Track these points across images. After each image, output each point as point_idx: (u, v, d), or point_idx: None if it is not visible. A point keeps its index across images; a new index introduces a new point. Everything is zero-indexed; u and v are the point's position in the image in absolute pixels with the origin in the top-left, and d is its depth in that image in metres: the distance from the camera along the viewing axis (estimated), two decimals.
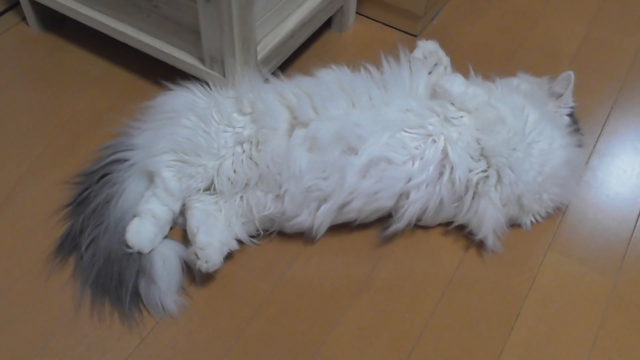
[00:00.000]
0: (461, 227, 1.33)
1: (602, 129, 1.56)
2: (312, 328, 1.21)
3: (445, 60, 1.46)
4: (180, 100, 1.34)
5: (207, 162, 1.26)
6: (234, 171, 1.26)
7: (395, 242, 1.33)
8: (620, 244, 1.35)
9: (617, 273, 1.30)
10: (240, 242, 1.28)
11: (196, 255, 1.19)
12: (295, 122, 1.27)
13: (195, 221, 1.23)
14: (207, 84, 1.37)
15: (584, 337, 1.22)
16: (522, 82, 1.44)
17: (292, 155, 1.23)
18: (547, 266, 1.31)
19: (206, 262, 1.19)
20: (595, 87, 1.65)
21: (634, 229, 1.38)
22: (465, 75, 1.40)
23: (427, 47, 1.46)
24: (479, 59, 1.69)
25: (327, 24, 1.74)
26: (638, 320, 1.24)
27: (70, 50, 1.67)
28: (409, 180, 1.25)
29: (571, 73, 1.40)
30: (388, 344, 1.19)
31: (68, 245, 1.26)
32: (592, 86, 1.64)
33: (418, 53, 1.46)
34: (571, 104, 1.42)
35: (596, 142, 1.54)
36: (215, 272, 1.24)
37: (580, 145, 1.39)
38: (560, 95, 1.41)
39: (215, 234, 1.22)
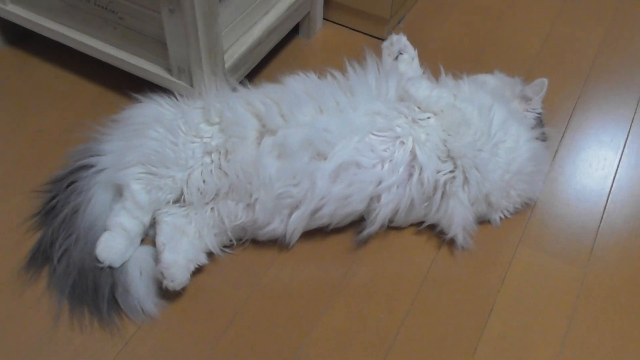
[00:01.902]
0: (433, 227, 1.34)
1: (567, 124, 1.59)
2: (289, 333, 1.22)
3: (412, 51, 1.49)
4: (147, 112, 1.34)
5: (176, 174, 1.26)
6: (203, 181, 1.26)
7: (369, 244, 1.34)
8: (588, 235, 1.38)
9: (586, 264, 1.33)
10: (211, 254, 1.28)
11: (162, 274, 1.19)
12: (264, 130, 1.27)
13: (163, 237, 1.22)
14: (175, 95, 1.37)
15: (556, 328, 1.24)
16: (491, 79, 1.47)
17: (261, 164, 1.23)
18: (518, 260, 1.33)
19: (172, 281, 1.19)
20: (560, 83, 1.68)
21: (601, 220, 1.41)
22: (436, 73, 1.43)
23: (394, 37, 1.49)
24: (448, 58, 1.70)
25: (295, 31, 1.75)
26: (608, 309, 1.27)
27: (36, 64, 1.66)
28: (380, 183, 1.26)
29: (545, 80, 1.43)
30: (365, 345, 1.21)
31: (39, 258, 1.25)
32: (557, 82, 1.66)
33: (386, 42, 1.50)
34: (539, 109, 1.44)
35: (562, 136, 1.56)
36: (185, 287, 1.23)
37: (544, 140, 1.42)
38: (530, 100, 1.43)
39: (182, 251, 1.21)
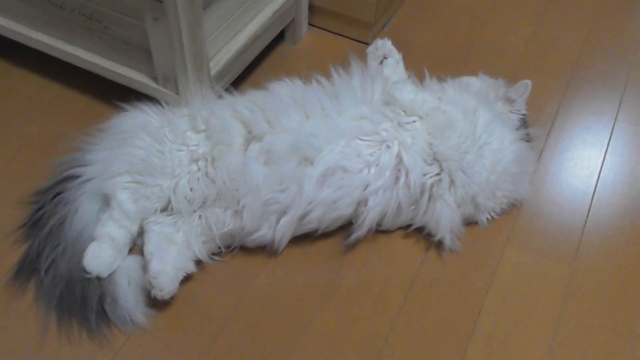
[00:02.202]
0: (420, 229, 1.35)
1: (552, 124, 1.60)
2: (279, 338, 1.22)
3: (397, 55, 1.50)
4: (133, 121, 1.34)
5: (163, 182, 1.26)
6: (191, 189, 1.26)
7: (358, 248, 1.34)
8: (574, 233, 1.39)
9: (573, 262, 1.34)
10: (200, 262, 1.28)
11: (150, 283, 1.18)
12: (250, 137, 1.28)
13: (150, 247, 1.22)
14: (161, 103, 1.37)
15: (545, 326, 1.25)
16: (475, 81, 1.48)
17: (248, 170, 1.24)
18: (506, 261, 1.34)
19: (160, 290, 1.19)
20: (544, 84, 1.69)
21: (587, 218, 1.42)
22: (421, 77, 1.44)
23: (379, 42, 1.50)
24: (433, 61, 1.71)
25: (280, 37, 1.75)
26: (596, 307, 1.28)
27: (21, 75, 1.66)
28: (367, 187, 1.26)
29: (529, 82, 1.44)
30: (356, 348, 1.21)
31: (26, 270, 1.25)
32: (540, 83, 1.68)
33: (371, 47, 1.51)
34: (523, 111, 1.45)
35: (547, 137, 1.58)
36: (174, 296, 1.23)
37: (529, 141, 1.43)
38: (514, 101, 1.44)
39: (170, 260, 1.21)
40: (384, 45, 1.51)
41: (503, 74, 1.59)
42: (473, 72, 1.54)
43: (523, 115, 1.45)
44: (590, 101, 1.67)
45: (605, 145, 1.57)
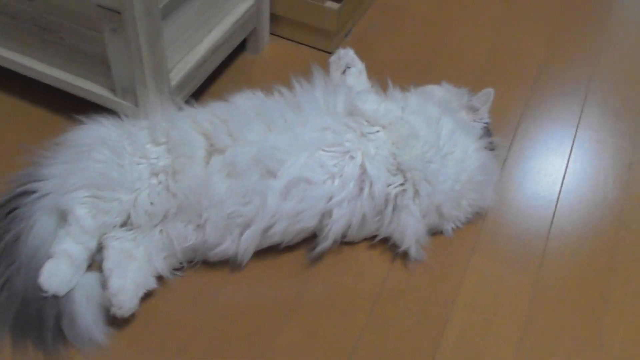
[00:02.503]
0: (386, 240, 1.35)
1: (515, 132, 1.62)
2: (244, 354, 1.20)
3: (359, 64, 1.50)
4: (91, 133, 1.31)
5: (122, 196, 1.24)
6: (151, 203, 1.24)
7: (323, 260, 1.34)
8: (539, 241, 1.40)
9: (538, 270, 1.35)
10: (161, 277, 1.26)
11: (110, 301, 1.16)
12: (212, 149, 1.27)
13: (110, 263, 1.20)
14: (120, 115, 1.36)
15: (511, 335, 1.25)
16: (438, 90, 1.49)
17: (210, 183, 1.22)
18: (472, 270, 1.34)
19: (120, 308, 1.16)
20: (507, 91, 1.71)
21: (551, 225, 1.43)
22: (384, 86, 1.44)
23: (341, 51, 1.51)
24: (395, 70, 1.72)
25: (242, 46, 1.75)
26: (560, 313, 1.29)
27: None
28: (331, 198, 1.26)
29: (491, 90, 1.45)
30: None
31: None
32: (503, 90, 1.70)
33: (333, 56, 1.51)
34: (487, 119, 1.47)
35: (510, 145, 1.59)
36: (135, 313, 1.21)
37: (493, 149, 1.44)
38: (477, 110, 1.45)
39: (130, 276, 1.19)
40: (346, 55, 1.52)
41: (466, 83, 1.60)
42: (436, 81, 1.55)
43: (486, 123, 1.47)
44: (552, 108, 1.69)
45: (568, 153, 1.59)
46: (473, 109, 1.46)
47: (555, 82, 1.76)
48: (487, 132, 1.47)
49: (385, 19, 1.91)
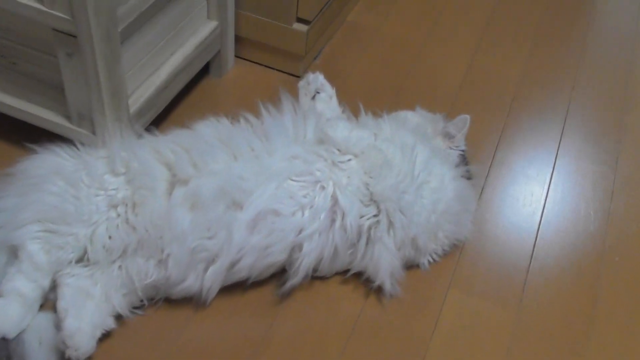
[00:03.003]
0: (359, 275, 1.37)
1: (492, 159, 1.67)
2: None
3: (329, 89, 1.55)
4: (44, 164, 1.32)
5: (78, 231, 1.25)
6: (109, 238, 1.25)
7: (293, 296, 1.35)
8: (519, 274, 1.44)
9: (519, 304, 1.39)
10: (120, 317, 1.26)
11: (64, 343, 1.16)
12: (175, 180, 1.28)
13: (64, 302, 1.20)
14: (75, 144, 1.36)
15: None
16: (413, 116, 1.53)
17: (173, 216, 1.24)
18: (449, 305, 1.37)
19: (76, 350, 1.17)
20: (483, 117, 1.76)
21: (531, 258, 1.47)
22: (356, 112, 1.48)
23: (310, 76, 1.55)
24: (367, 94, 1.76)
25: (205, 70, 1.77)
26: (542, 350, 1.32)
27: None
28: (300, 231, 1.28)
29: (467, 117, 1.50)
30: None
31: None
32: (479, 116, 1.74)
33: (302, 81, 1.55)
34: (463, 146, 1.51)
35: (487, 173, 1.64)
36: (92, 355, 1.21)
37: (469, 178, 1.49)
38: (453, 137, 1.50)
39: (87, 316, 1.20)
40: (315, 80, 1.56)
41: (440, 108, 1.65)
42: (409, 106, 1.60)
43: (462, 151, 1.51)
44: (531, 134, 1.75)
45: (548, 181, 1.64)
46: (449, 136, 1.51)
47: (533, 107, 1.82)
48: (464, 159, 1.51)
49: (356, 40, 1.96)
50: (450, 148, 1.50)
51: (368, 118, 1.46)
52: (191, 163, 1.29)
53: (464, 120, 1.50)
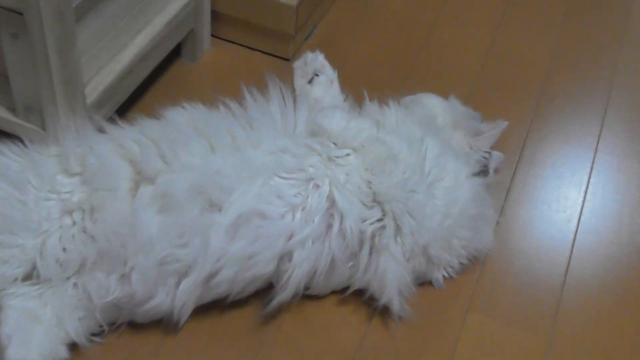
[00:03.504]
0: (361, 293, 1.38)
1: (519, 158, 1.69)
2: None
3: (330, 72, 1.58)
4: None
5: (26, 241, 1.25)
6: (63, 249, 1.26)
7: (281, 320, 1.37)
8: (551, 294, 1.45)
9: (551, 330, 1.40)
10: (75, 345, 1.27)
11: None
12: (140, 178, 1.30)
13: (8, 328, 1.20)
14: (22, 140, 1.37)
15: None
16: (437, 103, 1.57)
17: (138, 221, 1.25)
18: (468, 331, 1.38)
19: None
20: (507, 107, 1.79)
21: (566, 274, 1.49)
22: (359, 100, 1.51)
23: (309, 55, 1.58)
24: (369, 81, 1.78)
25: (177, 52, 1.80)
26: None
27: None
28: (290, 237, 1.30)
29: (506, 123, 1.55)
30: None
31: None
32: (503, 106, 1.77)
33: (299, 61, 1.59)
34: (487, 151, 1.54)
35: (514, 172, 1.66)
36: None
37: (487, 173, 1.52)
38: (479, 135, 1.54)
39: (34, 344, 1.21)
40: (314, 60, 1.58)
41: (456, 93, 1.65)
42: (415, 91, 1.62)
43: (485, 157, 1.54)
44: (564, 128, 1.77)
45: (586, 183, 1.66)
46: (474, 132, 1.54)
47: (567, 95, 1.84)
48: (485, 166, 1.54)
49: (355, 16, 1.98)
50: (471, 148, 1.53)
51: (373, 106, 1.49)
52: (159, 156, 1.31)
53: (500, 124, 1.55)
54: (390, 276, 1.34)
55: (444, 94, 1.63)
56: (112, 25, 1.52)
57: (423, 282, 1.43)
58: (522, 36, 1.98)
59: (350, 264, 1.36)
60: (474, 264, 1.47)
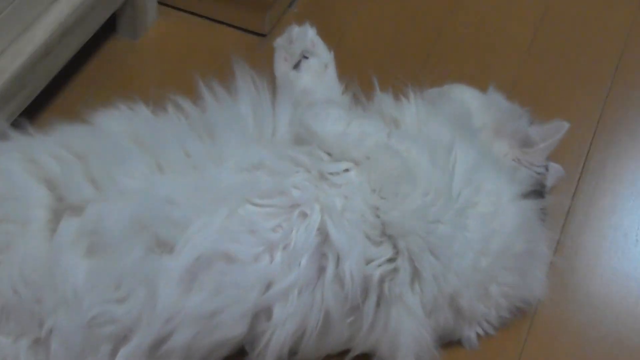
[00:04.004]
0: (365, 358, 1.40)
1: (582, 169, 1.71)
2: None
3: (325, 52, 1.59)
4: None
5: None
6: None
7: None
8: (626, 354, 1.47)
9: None
10: None
11: None
12: (62, 207, 1.30)
13: None
14: None
15: None
16: (473, 97, 1.58)
17: (59, 266, 1.25)
18: None
19: None
20: (568, 100, 1.81)
21: None
22: (364, 90, 1.52)
23: (295, 30, 1.59)
24: (376, 62, 1.80)
25: (111, 27, 1.81)
26: None
27: None
28: (268, 286, 1.30)
29: (566, 125, 1.55)
30: None
31: None
32: (562, 98, 1.79)
33: (282, 38, 1.60)
34: (542, 167, 1.55)
35: (575, 190, 1.67)
36: None
37: (543, 219, 1.51)
38: (531, 145, 1.54)
39: None
40: (303, 36, 1.58)
41: (496, 83, 1.66)
42: (442, 80, 1.63)
43: (540, 173, 1.55)
44: None
45: None
46: (524, 142, 1.55)
47: None
48: (539, 187, 1.55)
49: None
50: (519, 162, 1.55)
51: (386, 99, 1.50)
52: (88, 178, 1.31)
53: (558, 127, 1.55)
54: (405, 336, 1.35)
55: (482, 84, 1.64)
56: None
57: (449, 342, 1.45)
58: (588, 0, 2.00)
59: (351, 319, 1.37)
60: (519, 317, 1.48)
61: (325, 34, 1.62)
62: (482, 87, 1.64)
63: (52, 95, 1.70)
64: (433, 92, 1.60)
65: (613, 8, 2.00)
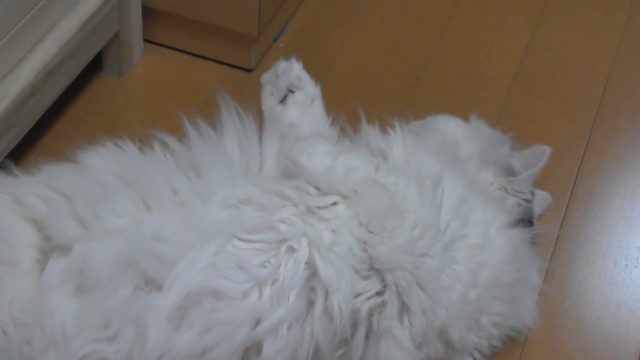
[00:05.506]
0: None
1: (570, 195, 1.71)
2: None
3: (311, 86, 1.59)
4: None
5: None
6: None
7: None
8: None
9: None
10: None
11: None
12: (49, 247, 1.31)
13: None
14: None
15: None
16: (457, 127, 1.59)
17: (47, 307, 1.26)
18: None
19: None
20: (555, 126, 1.81)
21: None
22: (351, 122, 1.53)
23: (282, 65, 1.59)
24: (362, 94, 1.81)
25: (97, 65, 1.82)
26: None
27: None
28: (257, 322, 1.30)
29: (547, 149, 1.55)
30: None
31: None
32: (549, 125, 1.80)
33: (269, 73, 1.60)
34: (528, 192, 1.56)
35: (564, 217, 1.68)
36: None
37: (534, 242, 1.52)
38: (515, 175, 1.55)
39: None
40: (288, 71, 1.59)
41: (481, 113, 1.67)
42: (425, 109, 1.64)
43: (527, 200, 1.56)
44: (634, 151, 1.80)
45: None
46: (508, 171, 1.56)
47: (635, 109, 1.87)
48: (528, 215, 1.56)
49: (340, 8, 2.01)
50: (506, 190, 1.55)
51: (372, 131, 1.50)
52: (74, 217, 1.32)
53: (540, 152, 1.56)
54: None
55: (468, 114, 1.65)
56: (3, 30, 1.53)
57: None
58: (573, 31, 2.01)
59: (341, 352, 1.37)
60: (510, 345, 1.49)
61: (312, 68, 1.63)
62: (467, 115, 1.65)
63: (38, 134, 1.70)
64: (417, 125, 1.61)
65: (598, 36, 2.02)
